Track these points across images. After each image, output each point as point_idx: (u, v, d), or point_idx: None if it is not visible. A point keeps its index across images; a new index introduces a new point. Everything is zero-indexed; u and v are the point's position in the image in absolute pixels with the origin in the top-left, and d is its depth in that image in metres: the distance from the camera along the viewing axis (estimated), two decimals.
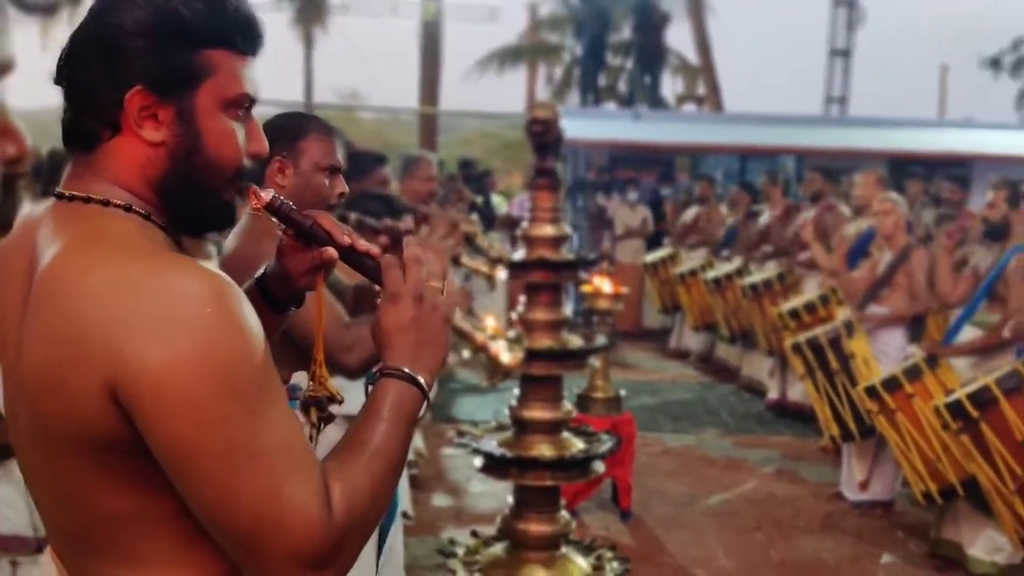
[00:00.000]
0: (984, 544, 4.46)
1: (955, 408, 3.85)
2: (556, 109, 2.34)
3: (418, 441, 5.60)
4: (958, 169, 11.18)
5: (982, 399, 3.78)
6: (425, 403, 1.25)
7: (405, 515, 4.13)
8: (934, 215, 7.49)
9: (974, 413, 3.78)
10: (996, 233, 4.70)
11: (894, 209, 5.58)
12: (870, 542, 4.98)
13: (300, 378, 1.62)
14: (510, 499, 2.41)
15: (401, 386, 1.22)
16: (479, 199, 9.88)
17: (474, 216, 8.60)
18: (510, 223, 11.01)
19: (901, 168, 10.25)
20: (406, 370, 1.23)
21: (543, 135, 2.30)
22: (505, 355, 1.36)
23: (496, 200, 12.21)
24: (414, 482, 5.40)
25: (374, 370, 1.27)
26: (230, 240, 2.09)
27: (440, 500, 5.52)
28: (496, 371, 1.37)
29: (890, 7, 40.72)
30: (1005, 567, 4.41)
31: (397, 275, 1.27)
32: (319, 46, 26.44)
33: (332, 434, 1.33)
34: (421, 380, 1.24)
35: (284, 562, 1.08)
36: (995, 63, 21.23)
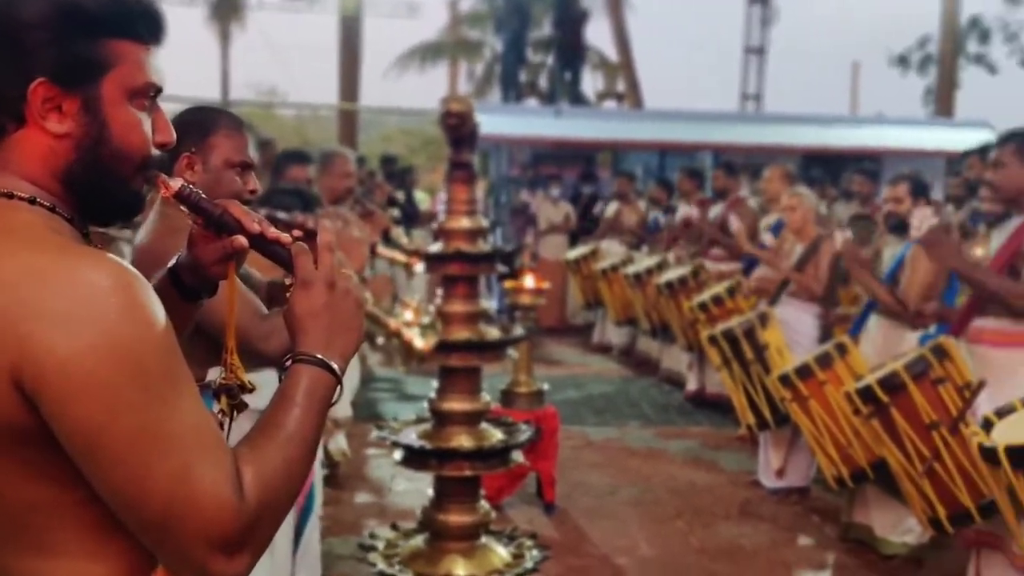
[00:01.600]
0: (893, 526, 4.62)
1: (866, 393, 3.95)
2: (470, 102, 2.35)
3: (341, 442, 5.57)
4: (869, 163, 11.54)
5: (891, 384, 3.88)
6: (338, 389, 1.26)
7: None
8: (845, 210, 7.73)
9: (884, 398, 3.88)
10: (904, 227, 4.86)
11: (801, 204, 5.74)
12: (786, 527, 5.12)
13: (215, 374, 1.60)
14: (430, 491, 2.42)
15: (314, 371, 1.23)
16: (400, 195, 9.85)
17: (393, 212, 8.58)
18: (434, 220, 11.02)
19: (816, 162, 10.51)
20: (319, 356, 1.24)
21: (458, 128, 2.31)
22: (418, 340, 1.38)
23: (420, 197, 12.20)
24: (336, 482, 5.37)
25: (285, 357, 1.27)
26: (140, 235, 2.06)
27: (363, 499, 5.49)
28: (410, 355, 1.39)
29: (803, 5, 41.77)
30: (914, 547, 4.57)
31: (308, 261, 1.28)
32: (236, 42, 26.01)
33: (245, 426, 1.33)
34: (334, 366, 1.25)
35: (196, 545, 1.08)
36: (903, 61, 21.92)
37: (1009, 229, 3.66)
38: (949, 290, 4.53)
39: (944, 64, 18.29)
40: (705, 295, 6.49)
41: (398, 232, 4.96)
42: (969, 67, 21.09)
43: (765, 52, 16.24)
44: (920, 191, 4.75)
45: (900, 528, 4.60)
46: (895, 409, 3.87)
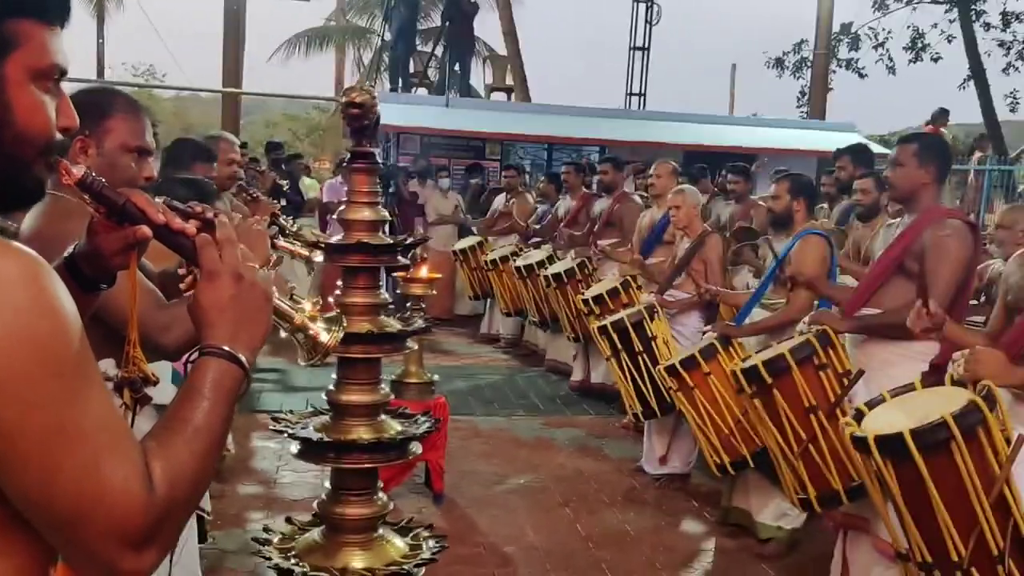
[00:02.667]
0: (771, 511, 4.82)
1: (751, 373, 4.06)
2: (372, 92, 2.35)
3: None
4: (745, 162, 11.92)
5: (776, 367, 4.00)
6: (246, 381, 1.25)
7: (202, 509, 4.01)
8: (729, 211, 7.97)
9: (768, 379, 4.00)
10: (782, 223, 5.05)
11: (685, 202, 5.91)
12: (669, 512, 5.28)
13: (108, 365, 1.57)
14: (327, 484, 2.41)
15: (221, 364, 1.23)
16: (284, 183, 9.67)
17: (279, 200, 8.40)
18: (321, 208, 10.85)
19: (696, 160, 10.80)
20: (226, 348, 1.23)
21: (360, 118, 2.30)
22: (324, 335, 1.37)
23: (307, 184, 11.99)
24: (219, 476, 5.25)
25: (190, 352, 1.26)
26: (28, 220, 1.98)
27: (248, 491, 5.39)
28: (315, 350, 1.39)
29: (686, 6, 42.78)
30: (788, 531, 4.79)
31: (214, 253, 1.27)
32: (113, 20, 25.00)
33: (142, 424, 1.31)
34: (242, 358, 1.24)
35: (105, 541, 1.07)
36: (779, 63, 22.71)
37: (899, 226, 3.82)
38: (830, 276, 4.74)
39: (817, 68, 19.04)
40: (601, 288, 6.59)
41: (288, 222, 4.87)
42: (840, 71, 22.02)
43: (649, 51, 16.56)
44: (799, 191, 4.94)
45: (776, 513, 4.80)
46: (778, 391, 4.00)
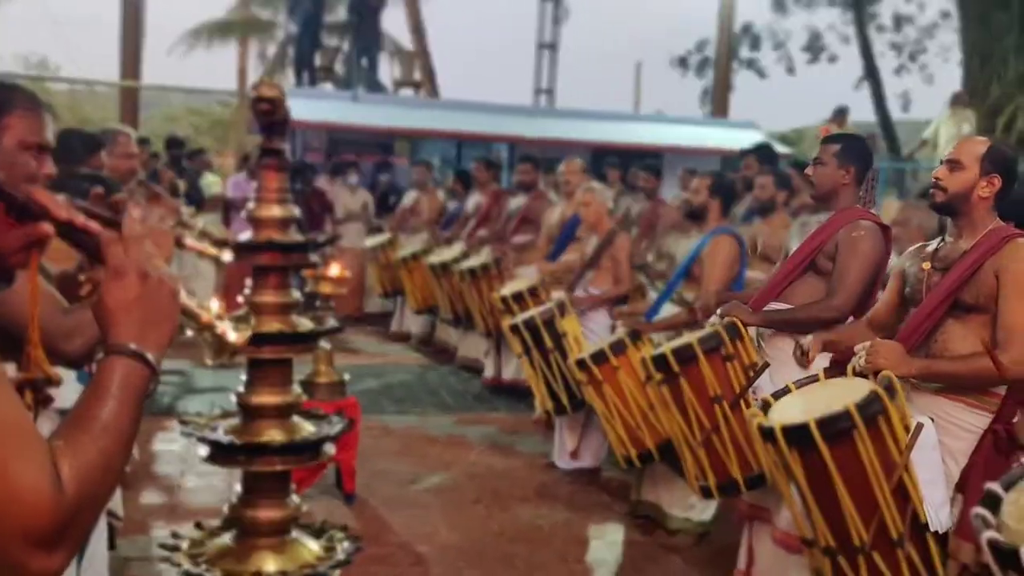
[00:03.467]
0: (679, 503, 4.92)
1: (659, 361, 4.11)
2: (282, 87, 2.30)
3: None
4: (652, 159, 12.13)
5: (684, 355, 4.04)
6: (154, 381, 1.25)
7: (114, 515, 3.90)
8: (631, 203, 8.09)
9: (675, 367, 4.04)
10: (696, 216, 5.16)
11: (594, 199, 5.99)
12: (580, 507, 5.33)
13: (8, 369, 1.51)
14: (237, 487, 2.36)
15: (129, 363, 1.22)
16: (181, 183, 9.42)
17: (179, 201, 8.19)
18: (224, 205, 10.61)
19: (604, 158, 10.92)
20: (133, 347, 1.22)
21: (270, 114, 2.26)
22: (232, 333, 1.35)
23: (209, 180, 11.70)
24: (122, 481, 5.09)
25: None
26: None
27: (151, 498, 5.24)
28: (222, 349, 1.37)
29: (592, 4, 43.21)
30: (696, 523, 4.89)
31: (119, 251, 1.25)
32: (2, 8, 23.95)
33: (43, 426, 1.28)
34: (149, 357, 1.23)
35: (15, 542, 1.05)
36: (683, 62, 23.18)
37: (814, 224, 3.91)
38: (739, 278, 4.86)
39: (719, 67, 19.48)
40: (519, 285, 6.61)
41: (192, 218, 4.77)
42: (742, 71, 22.59)
43: (557, 48, 16.70)
44: (718, 190, 5.06)
45: (685, 505, 4.90)
46: (684, 379, 4.05)
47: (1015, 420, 2.85)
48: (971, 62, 17.76)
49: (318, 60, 15.88)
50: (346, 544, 2.40)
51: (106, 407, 1.17)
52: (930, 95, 21.15)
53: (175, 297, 1.29)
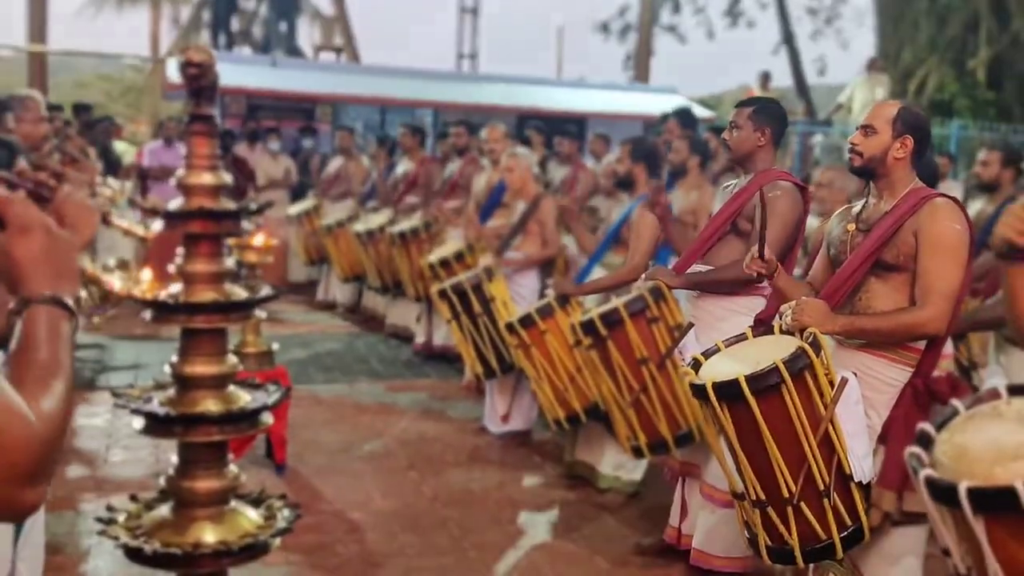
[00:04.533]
0: (610, 462, 5.02)
1: (587, 326, 4.22)
2: (211, 51, 2.25)
3: None
4: (575, 125, 12.17)
5: (611, 319, 4.16)
6: (74, 325, 1.30)
7: None
8: (556, 169, 8.12)
9: (603, 332, 4.16)
10: (624, 185, 5.23)
11: (518, 164, 6.00)
12: (512, 469, 5.39)
13: None
14: (172, 459, 2.33)
15: (51, 310, 1.26)
16: (92, 150, 9.12)
17: (95, 164, 7.95)
18: (139, 174, 10.32)
19: (528, 123, 10.91)
20: (49, 293, 1.27)
21: (199, 79, 2.21)
22: (118, 283, 1.40)
23: (121, 149, 11.36)
24: None
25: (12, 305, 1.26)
26: None
27: (76, 472, 5.13)
28: (107, 300, 1.42)
29: None
30: (627, 481, 4.99)
31: (24, 208, 1.30)
32: None
33: None
34: (68, 301, 1.28)
35: (11, 480, 1.12)
36: (605, 27, 23.22)
37: (734, 188, 3.99)
38: (664, 247, 4.93)
39: (641, 32, 19.57)
40: (447, 251, 6.60)
41: (113, 186, 4.63)
42: (663, 36, 22.74)
43: (479, 13, 16.58)
44: (640, 155, 5.12)
45: (615, 464, 5.00)
46: (612, 343, 4.17)
47: (934, 374, 2.97)
48: (884, 27, 18.19)
49: (235, 24, 15.49)
50: (285, 512, 2.40)
51: (43, 351, 1.22)
52: (846, 59, 21.63)
53: (74, 247, 1.34)
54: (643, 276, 4.25)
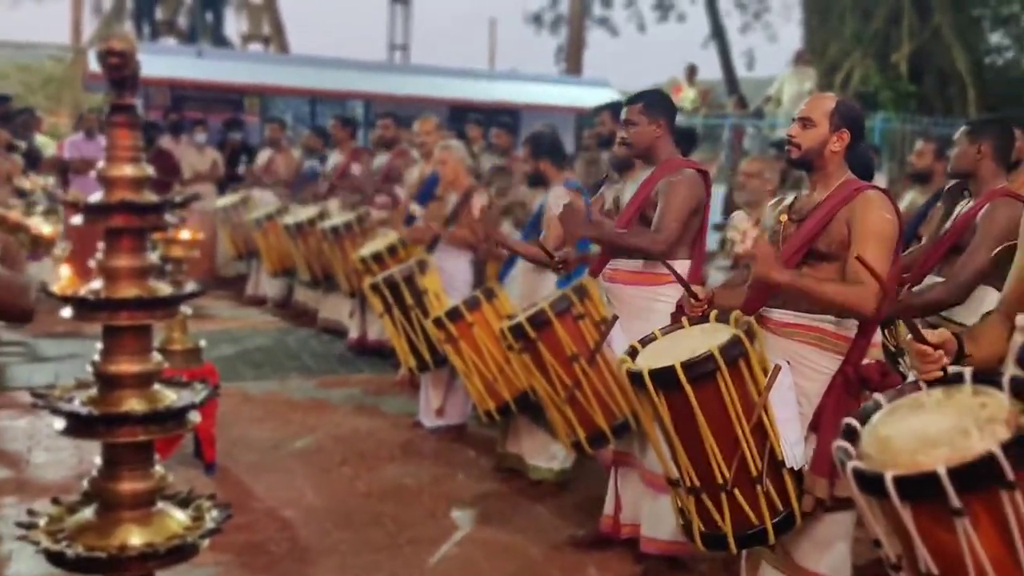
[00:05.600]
0: (541, 453, 5.03)
1: (516, 330, 4.25)
2: (133, 40, 2.18)
3: None
4: (508, 117, 12.17)
5: (539, 321, 4.21)
6: None
7: None
8: (490, 162, 8.09)
9: (532, 334, 4.20)
10: (537, 182, 5.26)
11: (450, 157, 5.99)
12: (447, 463, 5.37)
13: None
14: (95, 460, 2.25)
15: None
16: (22, 144, 8.83)
17: (15, 158, 7.70)
18: (60, 167, 10.02)
19: (462, 115, 10.87)
20: None
21: (120, 68, 2.13)
22: (45, 227, 1.32)
23: (41, 141, 11.01)
24: None
25: None
26: None
27: None
28: (39, 244, 1.34)
29: None
30: (558, 472, 5.01)
31: None
32: None
33: None
34: None
35: None
36: (537, 19, 23.26)
37: (640, 179, 4.04)
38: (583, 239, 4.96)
39: (573, 25, 19.64)
40: (379, 245, 6.54)
41: (33, 180, 4.48)
42: (594, 29, 22.86)
43: (410, 3, 16.46)
44: (540, 152, 5.15)
45: (547, 455, 5.02)
46: (542, 344, 4.21)
47: (864, 362, 3.03)
48: (811, 21, 18.55)
49: (159, 13, 15.12)
50: (214, 512, 2.33)
51: None
52: (774, 53, 21.99)
53: None
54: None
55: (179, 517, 2.30)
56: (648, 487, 3.97)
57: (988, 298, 3.37)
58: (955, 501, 1.69)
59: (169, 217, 2.29)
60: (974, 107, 16.14)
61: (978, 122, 3.97)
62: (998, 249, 3.44)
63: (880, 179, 8.62)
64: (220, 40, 15.02)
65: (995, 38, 19.32)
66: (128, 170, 2.20)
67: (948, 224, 3.82)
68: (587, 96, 13.04)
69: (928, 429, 1.84)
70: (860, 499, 1.87)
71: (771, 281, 2.93)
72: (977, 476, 1.69)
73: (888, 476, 1.75)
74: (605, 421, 4.19)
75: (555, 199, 4.84)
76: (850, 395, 2.98)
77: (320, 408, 6.33)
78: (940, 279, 3.67)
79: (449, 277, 5.92)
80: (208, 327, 8.16)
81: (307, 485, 4.94)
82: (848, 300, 2.92)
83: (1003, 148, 3.81)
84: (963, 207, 3.84)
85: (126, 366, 2.20)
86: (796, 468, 2.95)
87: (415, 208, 6.16)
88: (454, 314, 5.05)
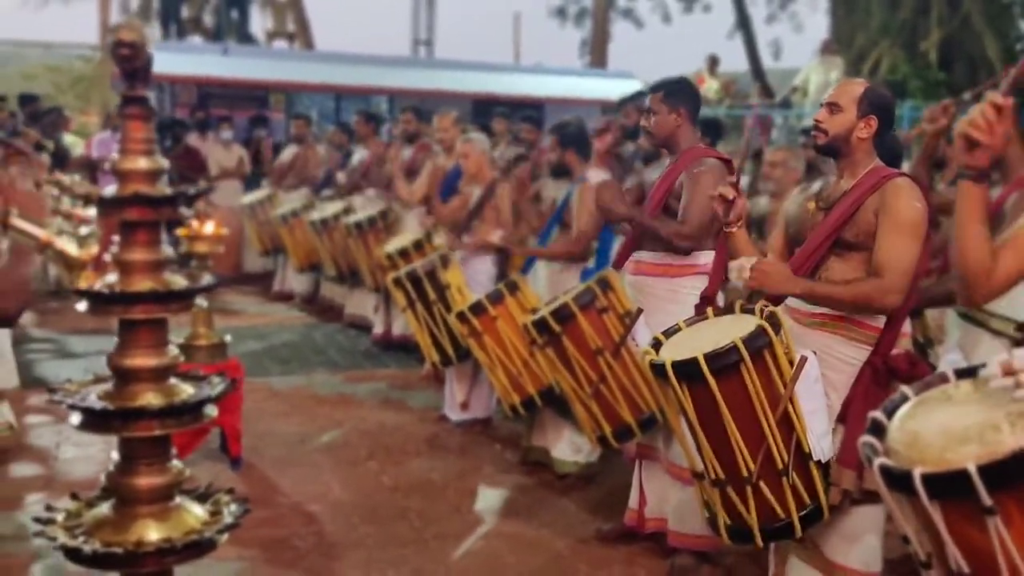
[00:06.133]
0: (566, 446, 4.99)
1: (540, 325, 4.21)
2: (143, 30, 2.16)
3: (6, 412, 5.05)
4: (533, 111, 12.11)
5: (563, 315, 4.17)
6: None
7: None
8: (512, 154, 8.06)
9: (556, 328, 4.16)
10: (560, 172, 5.23)
11: (473, 150, 5.95)
12: (472, 457, 5.34)
13: None
14: (115, 455, 2.25)
15: None
16: (49, 143, 8.91)
17: (44, 157, 7.77)
18: (88, 165, 10.10)
19: (486, 109, 10.84)
20: None
21: (131, 59, 2.11)
22: (72, 248, 1.29)
23: (70, 140, 11.11)
24: None
25: None
26: None
27: (25, 471, 5.00)
28: (71, 266, 1.30)
29: None
30: (584, 465, 4.97)
31: None
32: None
33: None
34: None
35: None
36: (561, 13, 23.17)
37: (663, 169, 3.99)
38: (607, 228, 4.91)
39: (597, 18, 19.54)
40: (404, 240, 6.52)
41: (65, 179, 4.49)
42: (619, 21, 22.73)
43: None
44: (567, 142, 5.11)
45: (572, 448, 4.98)
46: (566, 338, 4.17)
47: (892, 352, 2.96)
48: (837, 11, 18.32)
49: (185, 12, 15.22)
50: (233, 507, 2.32)
51: None
52: (800, 43, 21.79)
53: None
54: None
55: (197, 512, 2.29)
56: (675, 480, 3.92)
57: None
58: (986, 499, 1.63)
59: (184, 210, 2.27)
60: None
61: None
62: None
63: (908, 167, 8.50)
64: (245, 37, 15.09)
65: None
66: (142, 163, 2.18)
67: None
68: (612, 88, 12.94)
69: (957, 423, 1.77)
70: (888, 496, 1.81)
71: (790, 293, 2.93)
72: (1009, 473, 1.63)
73: (916, 474, 1.69)
74: (631, 415, 4.14)
75: (594, 177, 4.80)
76: (879, 386, 2.91)
77: (346, 403, 6.32)
78: None
79: (472, 271, 5.89)
80: (235, 323, 8.20)
81: (333, 479, 4.94)
82: (866, 297, 2.87)
83: None
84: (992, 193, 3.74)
85: (141, 360, 2.19)
86: (823, 461, 2.89)
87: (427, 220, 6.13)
88: (477, 308, 5.02)
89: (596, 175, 4.93)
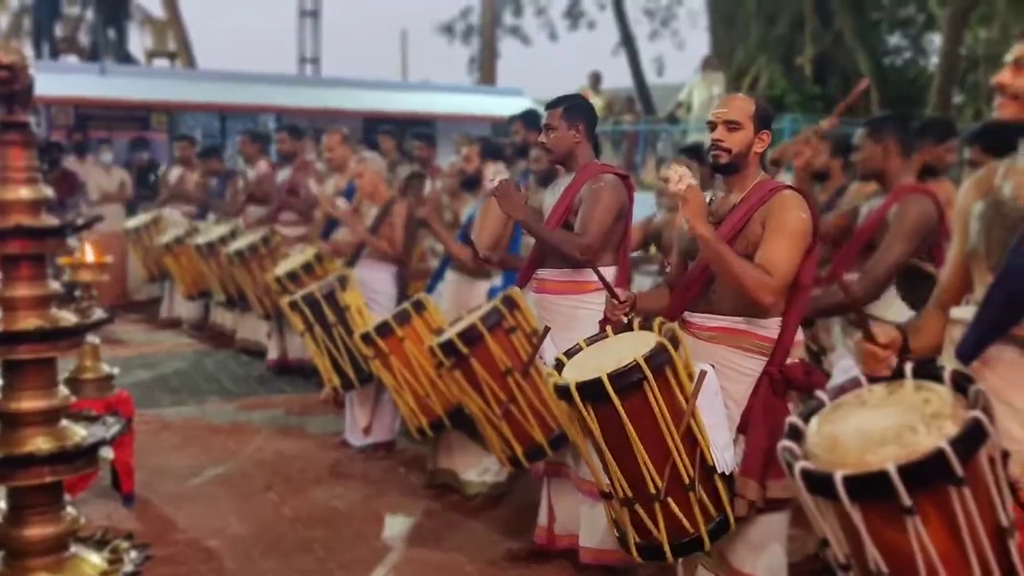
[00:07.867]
0: (474, 468, 4.96)
1: (447, 347, 4.17)
2: (24, 52, 2.05)
3: None
4: (424, 128, 12.09)
5: (470, 336, 4.13)
6: None
7: None
8: (408, 172, 8.02)
9: (464, 350, 4.13)
10: (471, 184, 5.22)
11: (367, 169, 5.90)
12: (376, 483, 5.25)
13: None
14: (2, 504, 2.11)
15: None
16: None
17: None
18: None
19: (376, 127, 10.76)
20: None
21: (10, 82, 2.00)
22: None
23: None
24: None
25: None
26: None
27: None
28: None
29: None
30: (492, 485, 4.95)
31: None
32: None
33: None
34: None
35: None
36: (449, 30, 23.23)
37: (561, 187, 4.00)
38: (514, 241, 4.92)
39: (485, 34, 19.65)
40: (294, 263, 6.38)
41: None
42: (506, 38, 22.93)
43: (319, 16, 16.26)
44: (490, 153, 5.11)
45: (479, 469, 4.95)
46: (474, 359, 4.14)
47: (787, 362, 3.04)
48: (717, 27, 18.91)
49: (59, 30, 14.63)
50: (133, 553, 2.21)
51: None
52: (682, 59, 22.38)
53: None
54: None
55: (94, 561, 2.17)
56: (586, 496, 3.93)
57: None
58: (906, 500, 1.68)
59: (71, 241, 2.16)
60: (876, 107, 16.64)
61: (876, 121, 4.03)
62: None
63: (788, 179, 8.80)
64: (124, 57, 14.60)
65: (893, 40, 19.97)
66: (24, 192, 2.07)
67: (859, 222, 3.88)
68: (501, 105, 13.04)
69: (874, 426, 1.82)
70: (808, 500, 1.84)
71: (695, 230, 2.92)
72: (927, 473, 1.68)
73: (838, 476, 1.72)
74: (542, 434, 4.13)
75: (492, 174, 4.78)
76: (776, 395, 2.98)
77: (241, 431, 6.15)
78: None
79: (371, 291, 5.81)
80: (122, 353, 7.89)
81: (231, 513, 4.78)
82: (752, 281, 2.89)
83: (906, 142, 3.90)
84: (873, 204, 3.90)
85: (28, 403, 2.07)
86: (727, 472, 2.94)
87: (342, 203, 6.00)
88: (383, 329, 4.94)
89: (494, 170, 4.89)
